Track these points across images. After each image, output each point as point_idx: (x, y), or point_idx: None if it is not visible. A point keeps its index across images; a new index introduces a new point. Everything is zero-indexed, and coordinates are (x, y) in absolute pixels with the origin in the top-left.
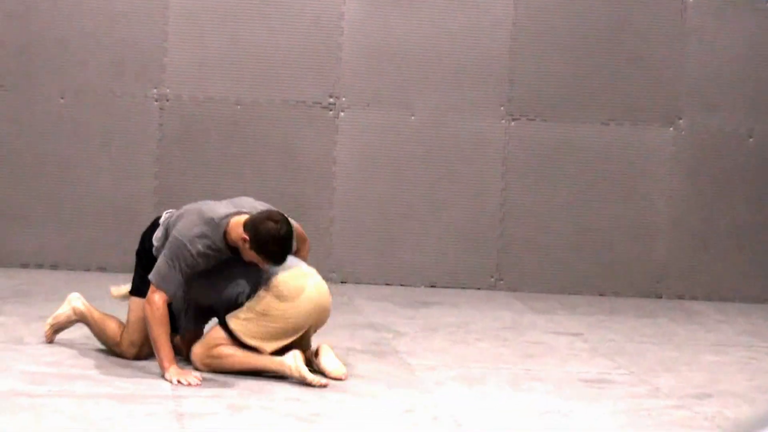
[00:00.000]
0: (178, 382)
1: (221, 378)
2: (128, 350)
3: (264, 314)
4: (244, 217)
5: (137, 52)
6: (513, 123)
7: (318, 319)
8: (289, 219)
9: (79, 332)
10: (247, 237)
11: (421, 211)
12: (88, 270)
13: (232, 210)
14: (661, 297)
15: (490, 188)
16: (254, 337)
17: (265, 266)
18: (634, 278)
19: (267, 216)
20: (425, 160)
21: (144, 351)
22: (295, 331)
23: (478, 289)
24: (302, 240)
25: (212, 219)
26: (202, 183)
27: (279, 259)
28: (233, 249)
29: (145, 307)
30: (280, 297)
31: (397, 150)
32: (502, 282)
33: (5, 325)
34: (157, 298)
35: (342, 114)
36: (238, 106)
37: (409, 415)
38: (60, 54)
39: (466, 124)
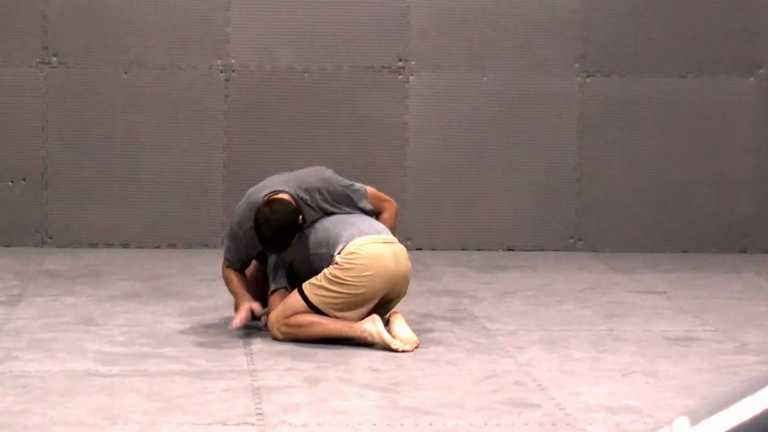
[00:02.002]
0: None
1: (297, 350)
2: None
3: (338, 281)
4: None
5: (200, 23)
6: (588, 79)
7: (394, 289)
8: (358, 185)
9: (149, 309)
10: None
11: (496, 174)
12: (158, 247)
13: (273, 189)
14: (746, 252)
15: (566, 147)
16: (329, 306)
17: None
18: (717, 234)
19: (267, 202)
20: (499, 122)
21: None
22: (369, 299)
23: (557, 250)
24: (382, 201)
25: (255, 202)
26: (272, 154)
27: (266, 245)
28: None
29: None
30: (353, 264)
31: (469, 112)
32: (581, 242)
33: (77, 306)
34: (223, 269)
35: (412, 78)
36: (306, 74)
37: (490, 381)
38: (121, 28)
39: (539, 83)
